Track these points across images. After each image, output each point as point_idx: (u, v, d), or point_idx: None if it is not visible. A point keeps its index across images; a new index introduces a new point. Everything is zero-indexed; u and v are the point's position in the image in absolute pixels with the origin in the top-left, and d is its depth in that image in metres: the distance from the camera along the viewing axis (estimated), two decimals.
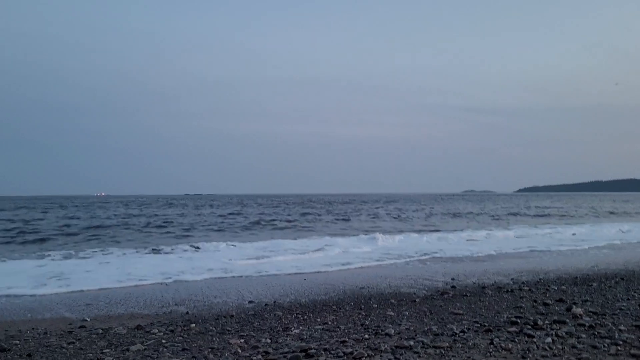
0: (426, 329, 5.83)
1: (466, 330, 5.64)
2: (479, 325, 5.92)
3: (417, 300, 7.89)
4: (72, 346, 5.41)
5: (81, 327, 6.50)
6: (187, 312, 7.39)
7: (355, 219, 34.77)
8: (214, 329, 6.18)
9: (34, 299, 8.62)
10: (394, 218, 36.58)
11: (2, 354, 5.12)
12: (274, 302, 8.08)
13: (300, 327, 6.09)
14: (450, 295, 8.28)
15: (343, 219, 34.37)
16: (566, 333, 5.35)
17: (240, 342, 5.44)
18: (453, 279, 10.17)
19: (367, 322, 6.29)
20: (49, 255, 14.24)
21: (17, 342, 5.68)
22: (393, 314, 6.84)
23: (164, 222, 30.64)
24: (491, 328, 5.68)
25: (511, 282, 9.63)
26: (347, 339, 5.36)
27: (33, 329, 6.44)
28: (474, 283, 9.65)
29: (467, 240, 19.61)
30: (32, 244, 19.18)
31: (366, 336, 5.52)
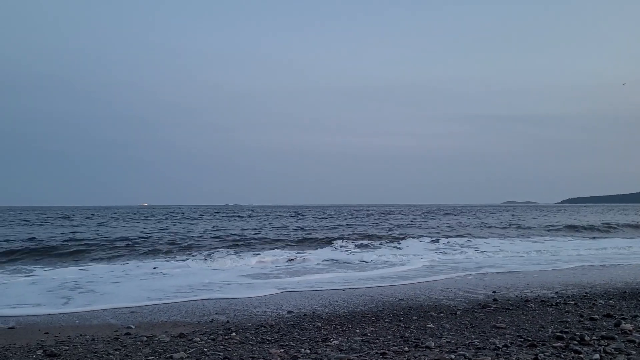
0: (468, 342, 5.74)
1: (509, 345, 5.53)
2: (522, 339, 5.79)
3: (458, 313, 7.77)
4: (118, 353, 5.57)
5: (126, 334, 6.69)
6: (228, 321, 7.50)
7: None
8: (254, 338, 6.25)
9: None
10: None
11: (52, 359, 5.32)
12: (313, 312, 8.11)
13: (340, 338, 6.10)
14: (492, 308, 8.12)
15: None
16: (615, 349, 5.17)
17: (280, 352, 5.48)
18: (494, 292, 9.97)
19: (406, 334, 6.24)
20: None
21: (67, 347, 5.89)
22: (433, 326, 6.77)
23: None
24: (535, 343, 5.54)
25: (555, 296, 9.37)
26: (386, 351, 5.34)
27: (81, 335, 6.67)
28: (517, 296, 9.43)
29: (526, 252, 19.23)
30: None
31: (406, 348, 5.48)
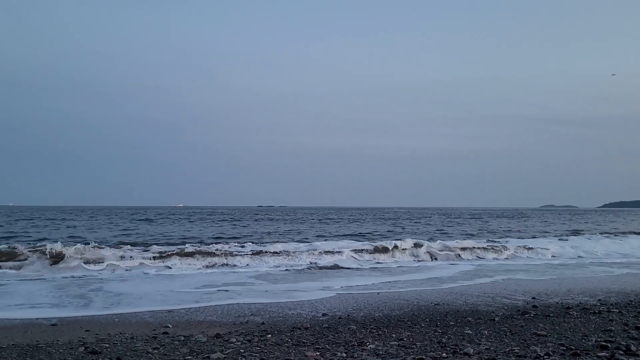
0: (507, 349, 5.60)
1: (551, 353, 5.37)
2: (564, 348, 5.62)
3: (497, 319, 7.60)
4: (156, 351, 5.66)
5: (164, 333, 6.79)
6: (263, 323, 7.52)
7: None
8: (289, 340, 6.25)
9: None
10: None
11: (93, 357, 5.44)
12: (348, 315, 8.06)
13: (376, 342, 6.04)
14: (532, 315, 7.92)
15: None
16: None
17: (316, 354, 5.47)
18: (534, 298, 9.72)
19: (444, 340, 6.14)
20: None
21: (107, 345, 6.01)
22: (471, 332, 6.63)
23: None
24: (579, 352, 5.37)
25: (598, 304, 9.07)
26: (424, 357, 5.26)
27: (121, 333, 6.80)
28: (557, 303, 9.17)
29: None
30: None
31: (444, 354, 5.39)
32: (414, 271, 14.89)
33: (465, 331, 6.70)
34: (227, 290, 10.79)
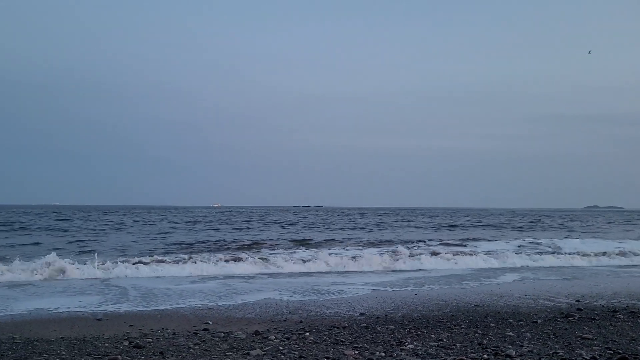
0: (551, 352, 5.47)
1: (597, 357, 5.22)
2: (612, 352, 5.45)
3: (539, 321, 7.42)
4: (198, 347, 5.77)
5: (204, 329, 6.91)
6: (301, 321, 7.56)
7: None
8: (327, 339, 6.26)
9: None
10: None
11: (138, 351, 5.59)
12: (386, 315, 8.02)
13: (415, 343, 5.99)
14: (576, 318, 7.70)
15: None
16: None
17: (355, 353, 5.46)
18: (578, 301, 9.45)
19: (484, 342, 6.04)
20: None
21: (150, 340, 6.17)
22: (513, 334, 6.50)
23: None
24: (627, 356, 5.19)
25: None
26: (464, 358, 5.19)
27: (163, 328, 6.96)
28: (603, 306, 8.88)
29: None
30: None
31: (485, 356, 5.30)
32: None
33: (507, 333, 6.58)
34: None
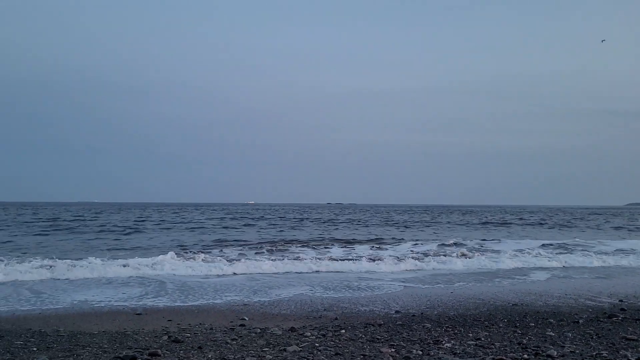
0: (594, 353, 5.32)
1: None
2: None
3: (581, 321, 7.23)
4: (235, 342, 5.83)
5: (241, 325, 6.99)
6: (336, 318, 7.57)
7: None
8: (363, 336, 6.24)
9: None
10: None
11: (177, 345, 5.69)
12: (421, 313, 7.95)
13: (452, 341, 5.91)
14: (620, 318, 7.46)
15: None
16: None
17: (391, 351, 5.43)
18: (621, 301, 9.16)
19: (524, 341, 5.91)
20: None
21: (188, 335, 6.27)
22: (553, 334, 6.35)
23: None
24: None
25: None
26: (504, 358, 5.09)
27: (201, 324, 7.07)
28: None
29: None
30: None
31: (525, 356, 5.19)
32: None
33: (547, 333, 6.43)
34: None
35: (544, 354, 5.27)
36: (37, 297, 9.32)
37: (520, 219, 51.29)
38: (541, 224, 42.39)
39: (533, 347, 5.61)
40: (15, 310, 8.12)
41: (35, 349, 5.51)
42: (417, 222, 43.91)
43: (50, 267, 12.48)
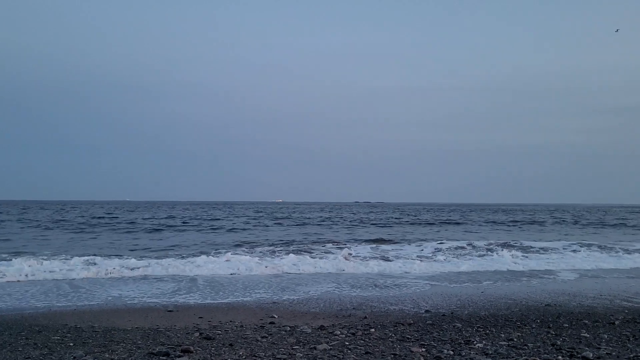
0: (632, 355, 5.18)
1: None
2: None
3: (617, 322, 7.05)
4: (265, 340, 5.88)
5: (271, 323, 7.03)
6: (366, 317, 7.55)
7: None
8: (393, 335, 6.21)
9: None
10: None
11: (208, 342, 5.76)
12: (452, 313, 7.87)
13: (484, 342, 5.84)
14: None
15: None
16: None
17: (422, 350, 5.39)
18: None
19: (558, 342, 5.80)
20: None
21: (219, 332, 6.34)
22: (588, 335, 6.21)
23: None
24: None
25: None
26: (537, 359, 5.00)
27: (231, 321, 7.14)
28: None
29: None
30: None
31: (560, 357, 5.09)
32: None
33: (582, 334, 6.29)
34: None
35: (579, 355, 5.16)
36: (75, 292, 9.64)
37: (552, 216, 50.34)
38: (576, 222, 41.49)
39: (567, 348, 5.50)
40: (51, 306, 8.36)
41: (71, 344, 5.65)
42: (445, 221, 43.50)
43: (94, 264, 12.98)
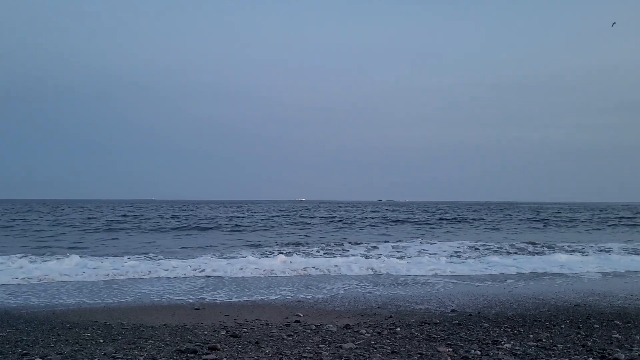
0: None
1: None
2: None
3: None
4: (291, 338, 5.90)
5: (296, 321, 7.06)
6: (391, 316, 7.52)
7: None
8: (419, 335, 6.17)
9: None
10: None
11: (235, 340, 5.80)
12: (478, 312, 7.78)
13: (512, 342, 5.76)
14: None
15: None
16: None
17: (449, 350, 5.34)
18: None
19: (588, 344, 5.69)
20: None
21: (245, 330, 6.39)
22: (620, 337, 6.08)
23: None
24: None
25: None
26: None
27: (257, 319, 7.19)
28: None
29: None
30: None
31: (590, 359, 4.99)
32: None
33: (613, 335, 6.16)
34: None
35: (610, 357, 5.05)
36: (107, 288, 9.98)
37: (592, 214, 49.36)
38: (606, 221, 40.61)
39: (598, 349, 5.39)
40: (82, 303, 8.53)
41: (101, 340, 5.76)
42: (471, 219, 43.06)
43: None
